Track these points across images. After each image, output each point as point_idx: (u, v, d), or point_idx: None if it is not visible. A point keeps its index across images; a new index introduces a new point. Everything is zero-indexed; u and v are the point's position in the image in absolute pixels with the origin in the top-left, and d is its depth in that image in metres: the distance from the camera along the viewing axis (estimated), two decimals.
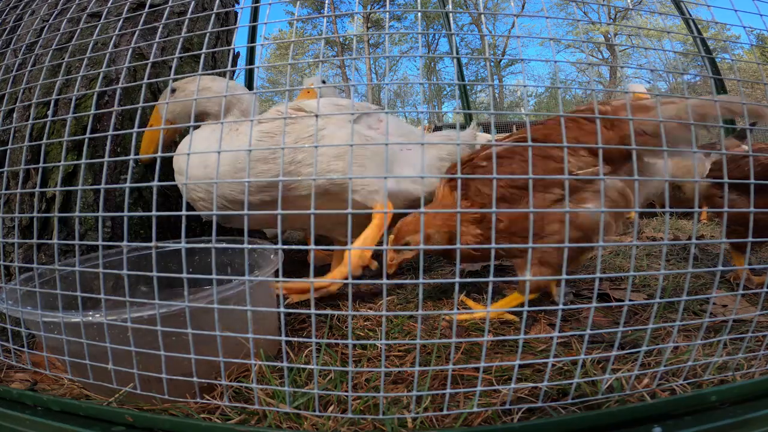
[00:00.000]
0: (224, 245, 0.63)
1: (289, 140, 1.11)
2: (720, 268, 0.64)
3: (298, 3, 0.72)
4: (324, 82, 1.98)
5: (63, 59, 0.88)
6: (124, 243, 0.62)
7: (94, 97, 0.77)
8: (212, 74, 1.33)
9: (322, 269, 1.54)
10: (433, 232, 1.05)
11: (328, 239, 1.53)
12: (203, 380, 0.65)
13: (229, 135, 1.12)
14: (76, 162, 0.73)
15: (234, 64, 1.50)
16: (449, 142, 1.37)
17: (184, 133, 1.25)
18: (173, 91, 1.14)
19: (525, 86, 0.57)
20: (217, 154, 0.98)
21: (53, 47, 0.86)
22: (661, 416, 0.59)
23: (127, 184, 0.68)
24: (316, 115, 0.62)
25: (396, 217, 1.19)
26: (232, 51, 1.46)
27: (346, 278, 1.13)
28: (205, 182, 1.04)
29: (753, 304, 1.06)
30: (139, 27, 0.76)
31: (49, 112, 1.01)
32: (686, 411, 0.60)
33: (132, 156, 0.81)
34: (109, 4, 0.97)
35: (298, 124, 1.13)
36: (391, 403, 0.70)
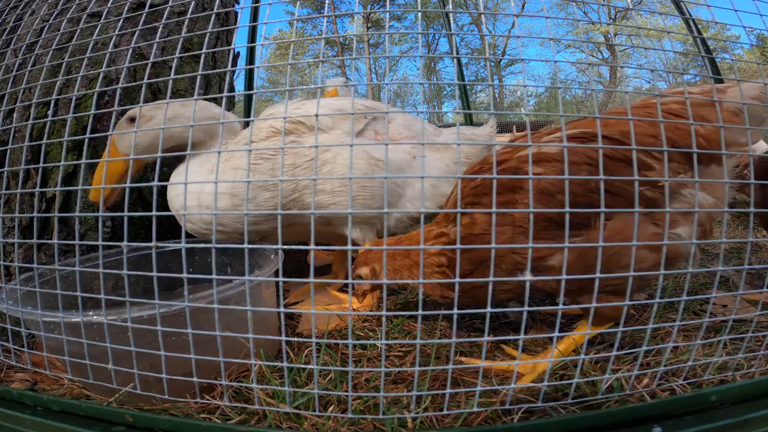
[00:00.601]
0: (224, 245, 0.63)
1: (286, 164, 1.00)
2: (720, 267, 0.64)
3: (298, 3, 0.72)
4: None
5: (63, 59, 0.88)
6: (124, 243, 0.62)
7: (94, 97, 0.77)
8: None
9: (323, 269, 1.54)
10: (379, 268, 0.94)
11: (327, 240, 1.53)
12: (203, 380, 0.65)
13: (223, 164, 1.00)
14: (76, 162, 0.73)
15: (234, 64, 1.50)
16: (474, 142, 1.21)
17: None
18: (132, 120, 0.96)
19: (525, 86, 0.57)
20: (207, 187, 0.95)
21: (53, 47, 0.86)
22: (661, 416, 0.59)
23: (127, 184, 0.68)
24: (316, 115, 0.62)
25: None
26: (232, 51, 1.46)
27: (373, 309, 1.13)
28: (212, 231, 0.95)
29: (753, 304, 1.06)
30: (139, 27, 0.76)
31: (49, 112, 1.01)
32: (686, 411, 0.60)
33: (132, 156, 0.81)
34: (109, 4, 0.97)
35: (297, 144, 1.02)
36: (391, 403, 0.70)
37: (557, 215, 0.70)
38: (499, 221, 0.74)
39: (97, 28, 0.84)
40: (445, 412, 0.64)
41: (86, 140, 0.70)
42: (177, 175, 1.01)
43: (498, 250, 0.73)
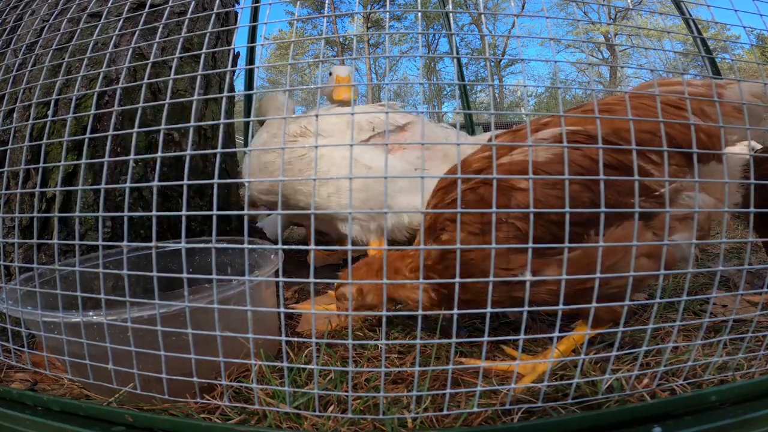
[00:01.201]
0: (224, 245, 0.63)
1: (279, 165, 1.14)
2: (720, 267, 0.64)
3: (298, 3, 0.72)
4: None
5: (63, 59, 0.88)
6: (124, 243, 0.62)
7: (94, 97, 0.77)
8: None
9: (323, 269, 1.54)
10: (366, 287, 0.91)
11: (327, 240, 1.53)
12: (203, 380, 0.65)
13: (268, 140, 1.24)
14: (76, 162, 0.73)
15: (234, 64, 1.50)
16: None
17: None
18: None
19: (525, 86, 0.57)
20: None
21: (53, 47, 0.86)
22: (661, 416, 0.59)
23: (127, 184, 0.68)
24: (316, 116, 0.62)
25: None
26: (232, 51, 1.46)
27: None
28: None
29: (753, 304, 1.06)
30: (139, 27, 0.76)
31: (49, 112, 1.01)
32: (686, 411, 0.60)
33: (132, 156, 0.80)
34: (109, 4, 0.97)
35: (300, 146, 1.13)
36: (391, 403, 0.70)
37: (545, 232, 0.69)
38: (480, 241, 0.73)
39: (97, 28, 0.83)
40: (445, 412, 0.64)
41: (86, 140, 0.70)
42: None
43: (482, 266, 0.71)
